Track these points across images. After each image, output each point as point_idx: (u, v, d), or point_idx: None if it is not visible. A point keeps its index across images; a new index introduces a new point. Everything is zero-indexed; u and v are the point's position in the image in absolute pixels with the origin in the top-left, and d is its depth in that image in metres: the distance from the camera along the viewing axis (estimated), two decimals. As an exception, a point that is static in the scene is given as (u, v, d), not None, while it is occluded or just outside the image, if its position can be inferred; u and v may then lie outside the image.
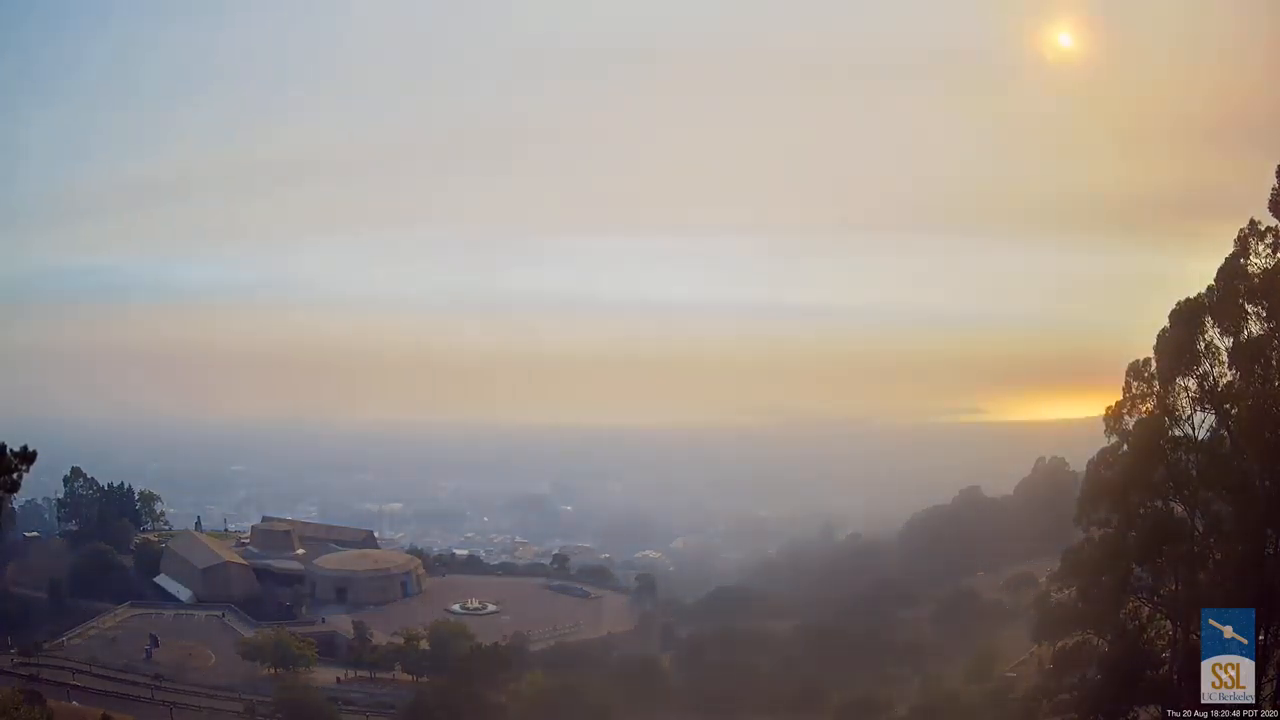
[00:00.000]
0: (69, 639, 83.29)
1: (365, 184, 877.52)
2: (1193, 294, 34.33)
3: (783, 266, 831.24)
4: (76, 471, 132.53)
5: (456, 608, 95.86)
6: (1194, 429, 34.96)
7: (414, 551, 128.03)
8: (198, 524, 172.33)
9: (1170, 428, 34.96)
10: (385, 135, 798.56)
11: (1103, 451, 37.75)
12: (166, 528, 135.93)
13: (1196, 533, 34.81)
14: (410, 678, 74.30)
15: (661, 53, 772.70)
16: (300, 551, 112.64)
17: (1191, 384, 34.25)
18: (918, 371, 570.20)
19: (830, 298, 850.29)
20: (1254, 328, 32.70)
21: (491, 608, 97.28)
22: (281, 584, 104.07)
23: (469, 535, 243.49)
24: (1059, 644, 38.94)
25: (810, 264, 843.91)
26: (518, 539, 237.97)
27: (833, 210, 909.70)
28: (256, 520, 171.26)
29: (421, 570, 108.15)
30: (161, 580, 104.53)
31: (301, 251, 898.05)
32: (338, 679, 76.04)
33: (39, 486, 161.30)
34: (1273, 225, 33.14)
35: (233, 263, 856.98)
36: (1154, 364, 35.55)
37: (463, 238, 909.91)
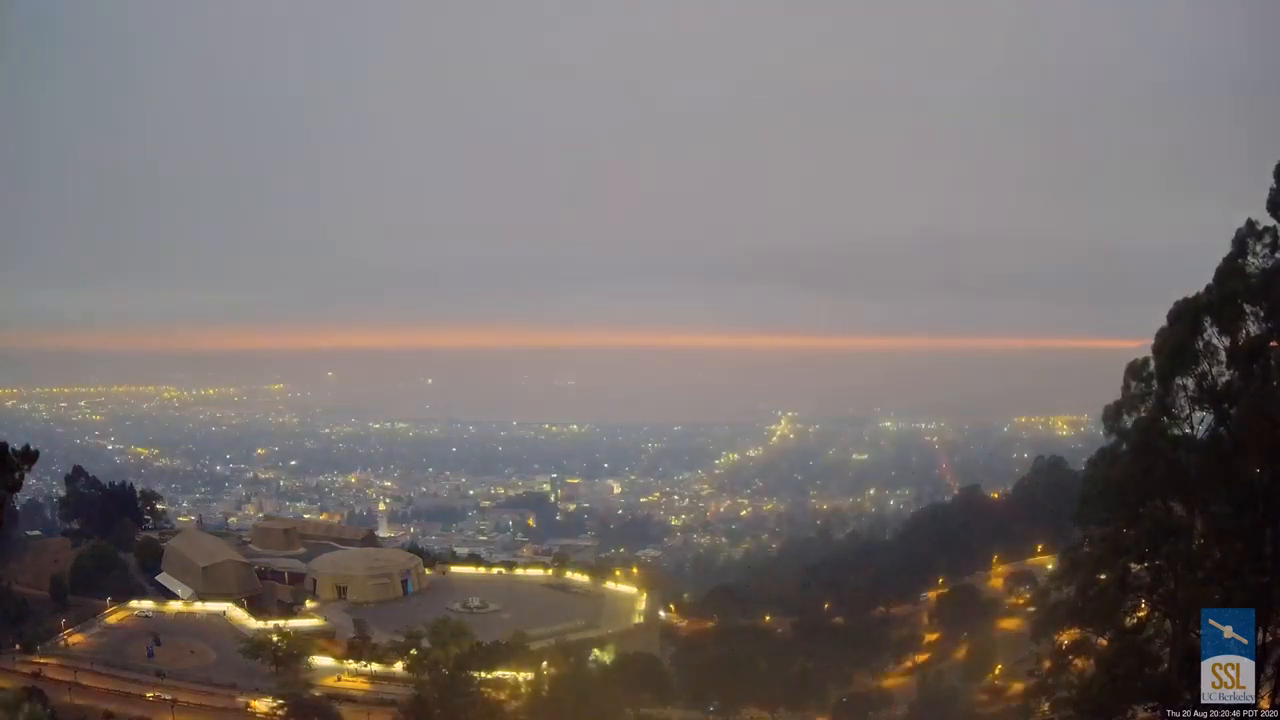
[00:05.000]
0: (70, 637, 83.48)
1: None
2: (1190, 294, 34.32)
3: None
4: (78, 470, 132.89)
5: (457, 606, 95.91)
6: (1193, 428, 34.94)
7: (414, 550, 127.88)
8: (199, 522, 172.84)
9: (1169, 427, 34.92)
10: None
11: (1102, 451, 37.73)
12: (168, 526, 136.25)
13: (1195, 531, 34.84)
14: (411, 676, 74.37)
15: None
16: (300, 550, 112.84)
17: (1190, 383, 34.20)
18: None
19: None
20: (1252, 328, 32.71)
21: (492, 606, 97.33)
22: (282, 582, 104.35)
23: (469, 534, 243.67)
24: (1057, 642, 39.01)
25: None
26: (518, 537, 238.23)
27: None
28: (257, 519, 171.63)
29: (422, 569, 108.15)
30: (163, 578, 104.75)
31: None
32: (338, 677, 76.23)
33: (41, 485, 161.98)
34: (1270, 225, 33.15)
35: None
36: (1152, 363, 35.55)
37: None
